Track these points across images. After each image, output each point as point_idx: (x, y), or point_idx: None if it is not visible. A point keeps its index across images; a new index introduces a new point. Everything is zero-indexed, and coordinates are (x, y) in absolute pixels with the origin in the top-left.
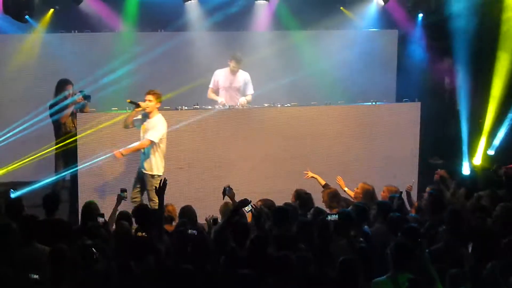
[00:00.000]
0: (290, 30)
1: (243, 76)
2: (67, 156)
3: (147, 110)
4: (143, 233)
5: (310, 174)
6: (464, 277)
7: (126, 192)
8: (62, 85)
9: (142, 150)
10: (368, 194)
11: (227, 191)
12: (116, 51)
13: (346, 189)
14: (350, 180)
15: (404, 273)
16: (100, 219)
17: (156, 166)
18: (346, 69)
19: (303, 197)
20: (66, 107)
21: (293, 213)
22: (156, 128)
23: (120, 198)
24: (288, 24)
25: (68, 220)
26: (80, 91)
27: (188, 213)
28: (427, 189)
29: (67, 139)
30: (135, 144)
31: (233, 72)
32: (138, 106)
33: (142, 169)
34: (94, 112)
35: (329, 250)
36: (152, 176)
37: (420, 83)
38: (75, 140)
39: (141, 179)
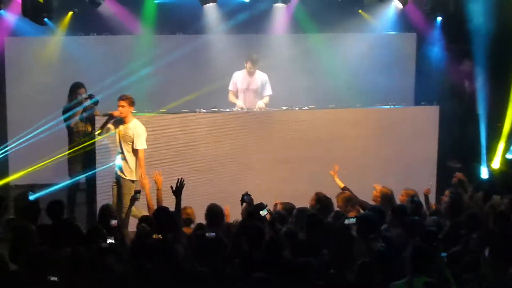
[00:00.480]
0: (308, 33)
1: (260, 77)
2: (83, 159)
3: (122, 115)
4: (159, 235)
5: (336, 169)
6: (479, 281)
7: (139, 193)
8: (74, 89)
9: (122, 156)
10: (387, 197)
11: (246, 199)
12: (134, 54)
13: (336, 179)
14: (369, 184)
15: (420, 276)
16: (113, 221)
17: (136, 171)
18: (364, 72)
19: (323, 201)
20: (76, 113)
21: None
22: (140, 135)
23: (133, 200)
24: (306, 27)
25: (86, 223)
26: (90, 97)
27: (213, 212)
28: (446, 192)
29: (81, 143)
30: (140, 162)
31: (251, 74)
32: (111, 116)
33: (122, 175)
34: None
35: (351, 253)
36: (132, 181)
37: (438, 86)
38: (92, 144)
39: (119, 185)
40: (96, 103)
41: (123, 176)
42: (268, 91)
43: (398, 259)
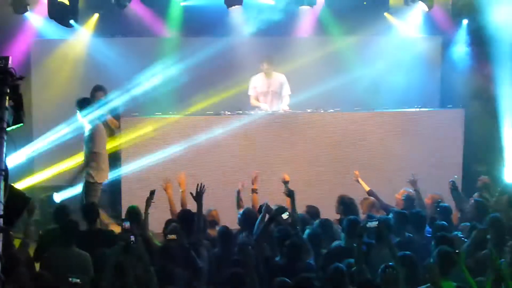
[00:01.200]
0: (334, 36)
1: (279, 78)
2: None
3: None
4: (173, 236)
5: (357, 175)
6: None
7: (153, 194)
8: (92, 91)
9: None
10: (409, 200)
11: (264, 209)
12: (159, 56)
13: (361, 181)
14: (393, 187)
15: (448, 281)
16: (125, 224)
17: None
18: (390, 75)
19: (346, 203)
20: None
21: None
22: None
23: (148, 201)
24: (331, 29)
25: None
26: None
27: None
28: (475, 195)
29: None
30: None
31: (269, 75)
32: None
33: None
34: (137, 116)
35: (371, 257)
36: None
37: (464, 89)
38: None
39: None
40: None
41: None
42: (287, 90)
43: (420, 263)
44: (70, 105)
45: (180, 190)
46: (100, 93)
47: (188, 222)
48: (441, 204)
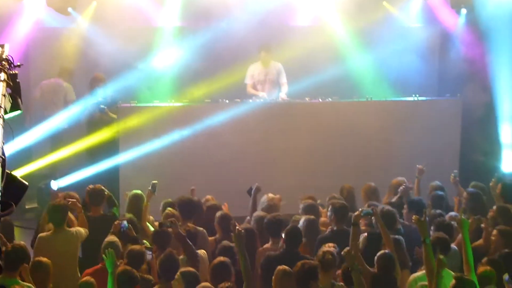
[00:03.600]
0: (333, 25)
1: (275, 67)
2: (106, 148)
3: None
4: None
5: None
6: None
7: (155, 186)
8: (91, 81)
9: None
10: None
11: (254, 191)
12: (156, 44)
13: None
14: (392, 176)
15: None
16: (123, 227)
17: None
18: (388, 64)
19: (347, 191)
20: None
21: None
22: None
23: (150, 194)
24: (330, 18)
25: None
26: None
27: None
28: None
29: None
30: None
31: (266, 64)
32: None
33: None
34: (135, 105)
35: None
36: None
37: (461, 78)
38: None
39: None
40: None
41: None
42: (283, 79)
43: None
44: None
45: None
46: (98, 81)
47: (186, 209)
48: (437, 192)
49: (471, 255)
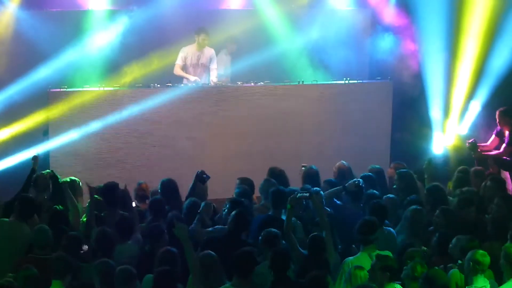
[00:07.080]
0: (263, 8)
1: (209, 52)
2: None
3: None
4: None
5: None
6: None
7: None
8: None
9: None
10: (342, 172)
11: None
12: (87, 28)
13: None
14: (325, 158)
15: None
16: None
17: None
18: (320, 48)
19: (276, 174)
20: None
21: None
22: None
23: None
24: (260, 1)
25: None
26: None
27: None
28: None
29: None
30: None
31: (200, 48)
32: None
33: None
34: (65, 89)
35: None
36: None
37: (392, 61)
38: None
39: None
40: None
41: None
42: (215, 65)
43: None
44: None
45: None
46: None
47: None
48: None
49: None
